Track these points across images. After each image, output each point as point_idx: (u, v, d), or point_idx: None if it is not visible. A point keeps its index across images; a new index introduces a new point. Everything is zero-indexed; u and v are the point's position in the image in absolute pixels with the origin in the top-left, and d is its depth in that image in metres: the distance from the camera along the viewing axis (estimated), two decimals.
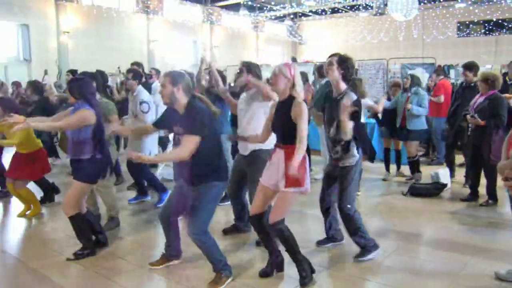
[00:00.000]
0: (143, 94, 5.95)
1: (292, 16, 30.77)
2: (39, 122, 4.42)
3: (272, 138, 4.46)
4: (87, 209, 4.60)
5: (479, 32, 25.66)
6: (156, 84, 6.95)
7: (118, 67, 7.94)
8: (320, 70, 7.49)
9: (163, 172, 7.51)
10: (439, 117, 8.11)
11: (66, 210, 4.31)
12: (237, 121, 4.72)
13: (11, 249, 4.80)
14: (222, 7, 26.70)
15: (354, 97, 3.96)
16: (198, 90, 5.10)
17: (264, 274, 3.84)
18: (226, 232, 4.95)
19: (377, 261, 4.15)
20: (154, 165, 7.56)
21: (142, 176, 6.19)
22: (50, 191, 6.43)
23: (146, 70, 9.37)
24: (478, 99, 5.91)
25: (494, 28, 24.90)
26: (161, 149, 7.67)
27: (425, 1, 23.78)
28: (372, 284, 3.85)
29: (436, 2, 25.65)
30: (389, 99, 7.36)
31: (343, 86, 4.03)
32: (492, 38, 25.00)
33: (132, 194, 6.65)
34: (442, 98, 8.23)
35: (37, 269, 4.15)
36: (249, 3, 25.50)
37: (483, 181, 6.02)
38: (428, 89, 9.60)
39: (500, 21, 24.34)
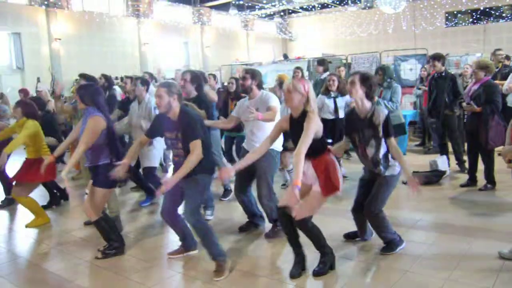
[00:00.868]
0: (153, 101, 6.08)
1: (281, 13, 30.86)
2: (71, 159, 4.40)
3: (281, 140, 4.64)
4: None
5: (467, 22, 25.83)
6: (152, 88, 7.07)
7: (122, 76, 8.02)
8: (321, 64, 7.68)
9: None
10: None
11: (90, 216, 4.43)
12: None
13: (25, 254, 4.90)
14: (211, 7, 26.72)
15: (385, 111, 3.95)
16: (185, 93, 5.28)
17: (296, 274, 3.81)
18: (242, 229, 5.02)
19: None
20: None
21: (154, 184, 6.21)
22: (58, 195, 6.52)
23: (139, 74, 9.46)
24: (472, 87, 6.08)
25: (481, 17, 25.09)
26: None
27: None
28: (395, 272, 3.90)
29: None
30: None
31: (367, 104, 3.95)
32: (480, 27, 25.19)
33: (136, 195, 6.78)
34: None
35: (54, 271, 4.26)
36: (239, 2, 25.54)
37: (480, 166, 6.19)
38: (422, 80, 9.78)
39: (487, 9, 24.52)
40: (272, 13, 29.72)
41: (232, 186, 6.36)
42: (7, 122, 7.62)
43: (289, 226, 3.79)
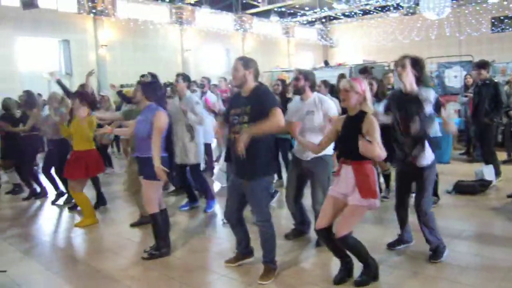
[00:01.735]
0: (195, 96, 6.25)
1: (323, 20, 30.81)
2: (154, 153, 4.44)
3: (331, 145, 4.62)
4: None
5: None
6: (210, 94, 7.23)
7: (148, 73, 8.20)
8: (363, 72, 7.59)
9: (217, 176, 7.67)
10: None
11: (148, 209, 4.56)
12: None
13: (75, 252, 5.11)
14: (253, 14, 26.96)
15: (433, 92, 3.99)
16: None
17: (340, 280, 3.80)
18: (288, 236, 4.98)
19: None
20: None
21: (196, 181, 6.38)
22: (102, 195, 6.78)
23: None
24: None
25: None
26: None
27: None
28: (444, 282, 3.86)
29: None
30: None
31: (415, 88, 4.01)
32: None
33: (173, 199, 6.92)
34: None
35: (101, 269, 4.43)
36: (281, 9, 25.66)
37: None
38: (467, 87, 9.61)
39: None
40: (313, 19, 29.70)
41: (273, 188, 6.43)
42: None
43: (331, 243, 3.80)
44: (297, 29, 31.22)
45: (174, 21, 22.87)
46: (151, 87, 4.65)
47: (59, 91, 7.36)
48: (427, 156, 4.06)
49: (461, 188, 6.45)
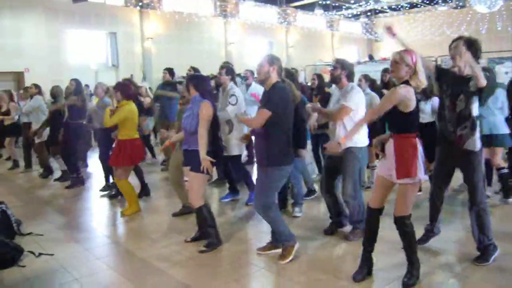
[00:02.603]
0: (236, 89, 6.23)
1: (368, 13, 30.32)
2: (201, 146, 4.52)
3: (364, 135, 4.57)
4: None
5: None
6: (254, 85, 7.24)
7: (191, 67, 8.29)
8: None
9: None
10: None
11: (193, 203, 4.62)
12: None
13: (120, 240, 5.25)
14: (297, 7, 26.82)
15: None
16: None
17: (359, 278, 3.75)
18: (327, 232, 4.95)
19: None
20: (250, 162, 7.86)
21: (237, 173, 6.42)
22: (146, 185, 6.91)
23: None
24: None
25: None
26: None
27: None
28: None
29: None
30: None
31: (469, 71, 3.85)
32: None
33: (215, 190, 6.99)
34: None
35: (145, 258, 4.53)
36: (325, 2, 25.41)
37: None
38: None
39: None
40: (358, 13, 29.28)
41: (316, 187, 6.41)
42: None
43: (373, 227, 3.75)
44: (342, 23, 30.86)
45: (218, 14, 23.04)
46: (196, 81, 4.70)
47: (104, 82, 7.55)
48: (476, 139, 3.90)
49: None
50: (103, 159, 7.08)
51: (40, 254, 4.59)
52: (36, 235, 5.25)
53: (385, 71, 7.63)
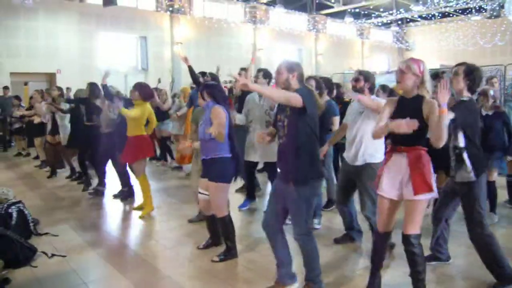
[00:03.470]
0: None
1: (399, 22, 29.98)
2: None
3: (382, 150, 4.45)
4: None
5: None
6: None
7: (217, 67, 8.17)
8: (433, 78, 7.20)
9: None
10: None
11: (217, 213, 4.56)
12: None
13: (134, 246, 5.28)
14: (327, 15, 26.73)
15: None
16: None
17: None
18: (337, 241, 4.93)
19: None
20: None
21: (271, 174, 6.18)
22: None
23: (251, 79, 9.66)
24: None
25: None
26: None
27: None
28: None
29: None
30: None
31: (466, 95, 3.77)
32: None
33: (239, 196, 6.96)
34: None
35: (152, 263, 4.55)
36: (356, 10, 25.24)
37: None
38: None
39: None
40: (388, 21, 28.98)
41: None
42: None
43: (383, 248, 3.66)
44: (372, 31, 30.59)
45: (248, 20, 23.13)
46: (210, 89, 4.68)
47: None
48: (465, 171, 3.77)
49: None
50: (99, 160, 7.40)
51: (53, 255, 4.66)
52: (52, 235, 5.34)
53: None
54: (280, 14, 24.38)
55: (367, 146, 4.39)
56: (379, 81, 12.01)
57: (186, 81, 17.85)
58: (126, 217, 6.44)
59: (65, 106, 8.62)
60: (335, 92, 7.06)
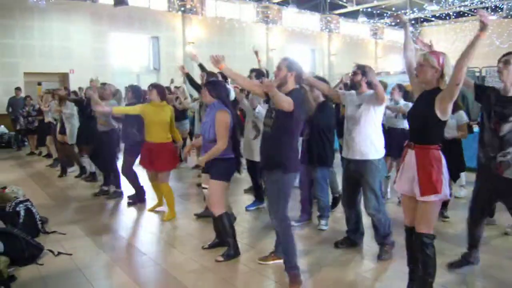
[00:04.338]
0: None
1: (413, 22, 29.72)
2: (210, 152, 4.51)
3: (382, 145, 4.40)
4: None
5: None
6: None
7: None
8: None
9: None
10: None
11: (214, 210, 4.57)
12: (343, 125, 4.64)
13: (139, 246, 5.27)
14: (340, 14, 26.60)
15: None
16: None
17: None
18: (337, 245, 4.81)
19: None
20: None
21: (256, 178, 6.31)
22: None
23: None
24: None
25: None
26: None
27: None
28: None
29: None
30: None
31: None
32: None
33: (246, 197, 6.92)
34: None
35: (160, 263, 4.53)
36: (369, 10, 25.08)
37: None
38: None
39: None
40: None
41: None
42: None
43: (410, 245, 3.53)
44: (386, 31, 30.39)
45: (260, 20, 23.10)
46: (214, 86, 4.67)
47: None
48: None
49: None
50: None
51: (59, 253, 4.68)
52: (60, 234, 5.36)
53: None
54: (292, 14, 24.31)
55: (365, 140, 4.32)
56: (393, 81, 11.90)
57: (197, 80, 17.88)
58: (133, 216, 6.43)
59: (72, 109, 8.73)
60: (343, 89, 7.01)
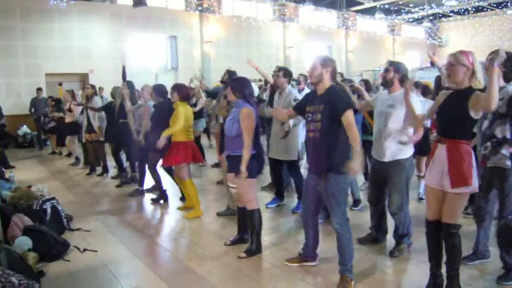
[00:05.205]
0: (296, 93, 6.24)
1: (431, 18, 29.43)
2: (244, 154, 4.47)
3: (411, 146, 4.39)
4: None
5: None
6: (307, 90, 7.13)
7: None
8: None
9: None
10: None
11: (248, 206, 4.59)
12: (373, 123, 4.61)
13: (162, 242, 5.37)
14: (357, 11, 26.47)
15: None
16: None
17: None
18: (361, 241, 4.81)
19: None
20: None
21: (295, 178, 6.23)
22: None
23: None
24: None
25: None
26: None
27: None
28: None
29: None
30: None
31: (501, 83, 3.69)
32: None
33: (264, 194, 6.98)
34: None
35: (182, 259, 4.62)
36: (386, 6, 24.91)
37: None
38: None
39: None
40: (420, 17, 28.48)
41: (361, 196, 6.28)
42: None
43: (435, 239, 3.57)
44: (404, 27, 30.13)
45: (277, 18, 23.12)
46: (237, 84, 4.70)
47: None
48: (504, 159, 3.72)
49: None
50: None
51: (84, 249, 4.80)
52: (84, 231, 5.48)
53: (438, 78, 7.36)
54: (309, 12, 24.25)
55: (393, 139, 4.30)
56: (413, 77, 11.77)
57: (215, 80, 17.97)
58: (157, 214, 6.56)
59: (99, 102, 8.89)
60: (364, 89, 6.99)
